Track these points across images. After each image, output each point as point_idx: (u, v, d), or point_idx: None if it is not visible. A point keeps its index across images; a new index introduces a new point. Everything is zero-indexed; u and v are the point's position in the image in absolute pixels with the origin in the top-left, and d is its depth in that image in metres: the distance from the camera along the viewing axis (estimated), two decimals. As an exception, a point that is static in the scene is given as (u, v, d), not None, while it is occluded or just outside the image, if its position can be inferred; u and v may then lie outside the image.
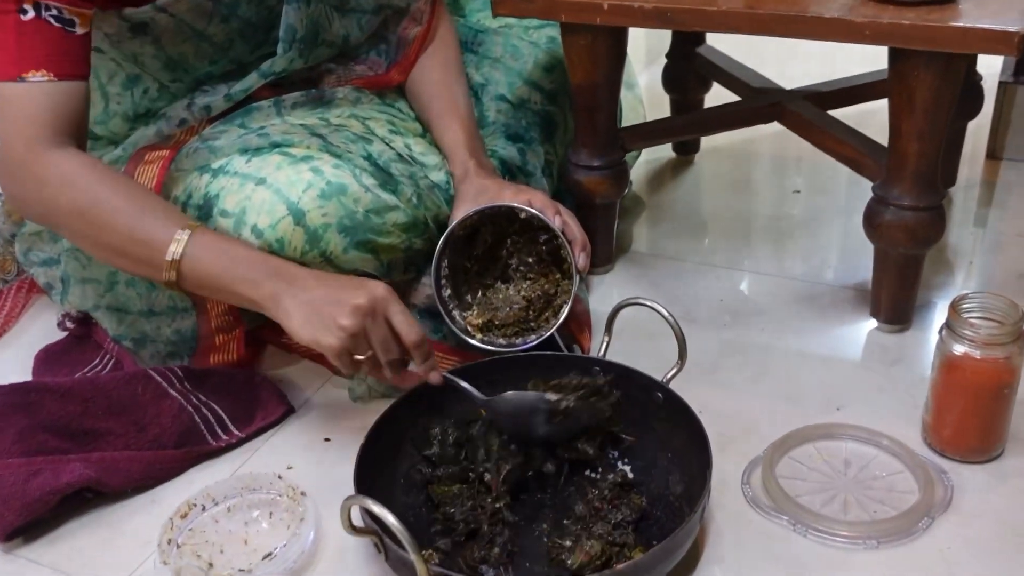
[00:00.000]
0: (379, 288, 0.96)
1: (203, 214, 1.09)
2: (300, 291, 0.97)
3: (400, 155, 1.16)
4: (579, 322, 1.21)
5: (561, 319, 1.09)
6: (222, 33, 1.13)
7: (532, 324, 1.12)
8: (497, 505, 0.95)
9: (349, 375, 1.09)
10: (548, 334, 1.09)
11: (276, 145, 1.10)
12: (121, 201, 0.99)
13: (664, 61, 1.72)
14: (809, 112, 1.40)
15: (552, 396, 0.97)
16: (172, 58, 1.13)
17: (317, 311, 0.95)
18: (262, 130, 1.13)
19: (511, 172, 1.25)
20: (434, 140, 1.22)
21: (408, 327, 0.97)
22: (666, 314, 1.00)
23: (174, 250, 0.98)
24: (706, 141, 1.79)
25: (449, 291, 1.12)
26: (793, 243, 1.50)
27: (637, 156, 1.62)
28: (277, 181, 1.06)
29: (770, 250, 1.48)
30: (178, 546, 0.96)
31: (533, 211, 1.07)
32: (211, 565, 0.94)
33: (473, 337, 1.11)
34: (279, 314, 0.97)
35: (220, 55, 1.15)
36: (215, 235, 1.01)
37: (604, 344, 1.07)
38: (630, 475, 1.01)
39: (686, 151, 1.78)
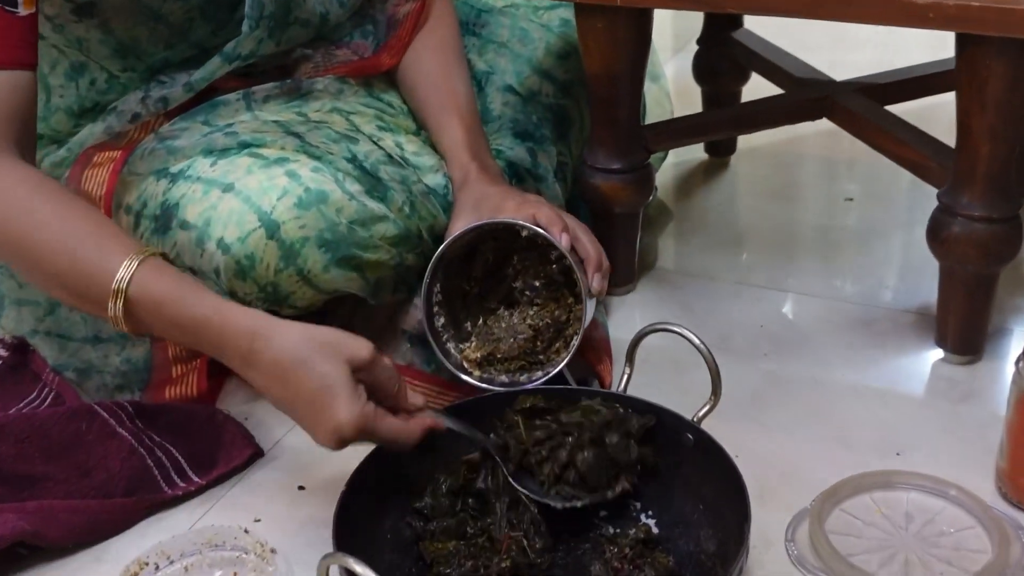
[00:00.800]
0: (343, 415, 0.91)
1: (161, 225, 1.09)
2: (258, 382, 0.95)
3: (390, 156, 1.16)
4: (598, 351, 1.21)
5: (571, 353, 1.09)
6: (180, 12, 1.13)
7: (540, 357, 1.13)
8: (504, 565, 0.95)
9: None
10: (556, 370, 1.09)
11: (246, 145, 1.11)
12: (59, 232, 0.96)
13: (695, 48, 1.73)
14: (863, 107, 1.40)
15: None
16: (123, 43, 1.14)
17: (284, 410, 0.96)
18: (229, 127, 1.14)
19: (519, 176, 1.26)
20: (431, 139, 1.23)
21: (398, 443, 0.96)
22: (697, 342, 1.01)
23: (115, 304, 0.95)
24: (743, 141, 1.80)
25: (443, 320, 1.12)
26: (845, 259, 1.51)
27: (663, 158, 1.63)
28: (247, 188, 1.07)
29: (818, 267, 1.49)
30: (127, 611, 0.96)
31: (536, 229, 1.07)
32: (166, 634, 0.94)
33: (470, 374, 1.11)
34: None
35: (178, 39, 1.16)
36: (161, 278, 0.96)
37: (625, 377, 1.07)
38: (655, 530, 1.01)
39: (720, 152, 1.78)
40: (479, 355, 1.12)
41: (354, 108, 1.22)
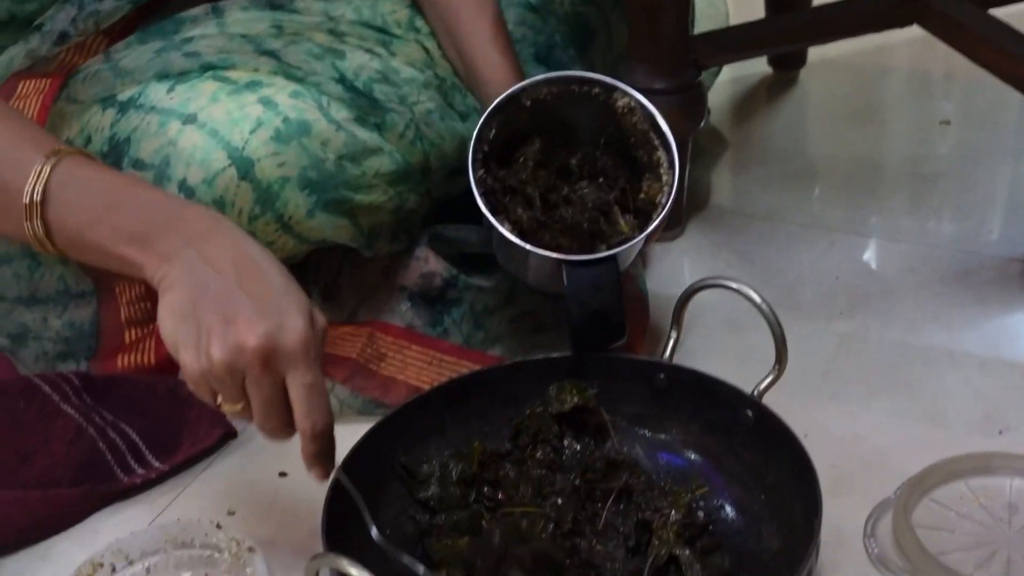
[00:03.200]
0: (297, 325, 0.88)
1: (110, 165, 1.09)
2: (199, 264, 0.90)
3: (384, 74, 1.17)
4: (629, 310, 1.23)
5: (659, 220, 1.08)
6: None
7: (603, 228, 1.11)
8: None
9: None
10: (642, 237, 1.08)
11: (209, 67, 1.11)
12: None
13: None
14: (962, 10, 1.40)
15: None
16: None
17: (197, 311, 0.89)
18: (189, 45, 1.14)
19: None
20: (463, 74, 1.21)
21: (308, 406, 0.89)
22: (758, 300, 1.01)
23: (33, 187, 0.93)
24: (815, 52, 1.79)
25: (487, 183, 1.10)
26: (939, 196, 1.51)
27: (717, 73, 1.63)
28: (213, 119, 1.07)
29: (906, 206, 1.49)
30: (79, 622, 0.99)
31: (639, 97, 1.08)
32: (125, 648, 0.97)
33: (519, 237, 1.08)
34: (160, 286, 0.91)
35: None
36: (95, 165, 0.97)
37: (671, 341, 1.08)
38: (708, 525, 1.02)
39: (787, 65, 1.78)
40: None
41: (346, 25, 1.21)
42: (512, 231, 1.07)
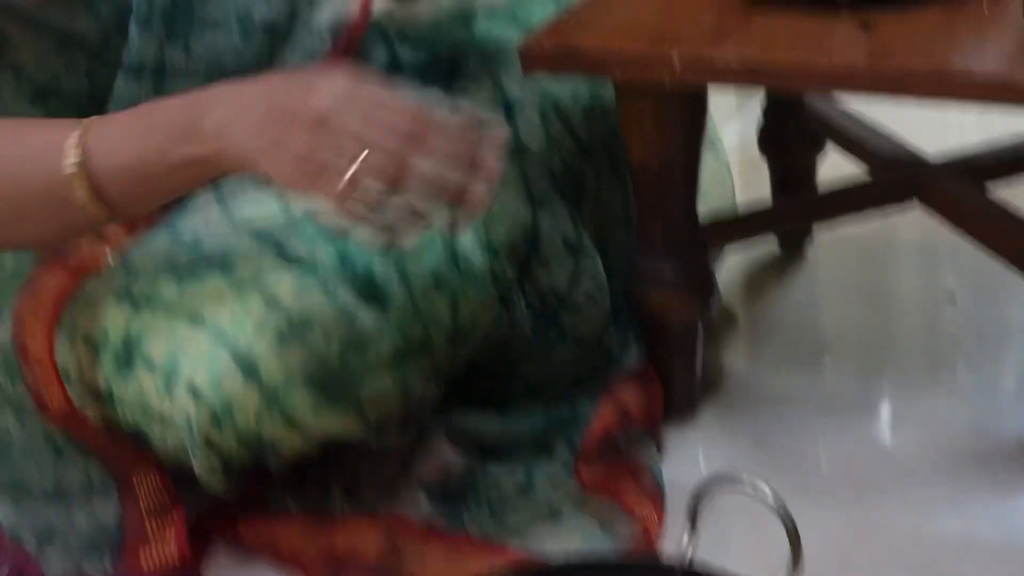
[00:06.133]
0: (350, 72, 0.95)
1: (122, 363, 1.11)
2: (243, 100, 0.96)
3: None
4: (644, 501, 1.23)
5: None
6: (92, 28, 1.11)
7: None
8: None
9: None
10: None
11: (213, 263, 1.12)
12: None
13: (758, 107, 1.72)
14: (960, 189, 1.41)
15: None
16: (39, 84, 1.11)
17: (279, 132, 0.93)
18: (194, 237, 1.15)
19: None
20: None
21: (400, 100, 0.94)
22: (772, 503, 1.01)
23: (72, 151, 0.97)
24: (822, 228, 1.80)
25: None
26: (951, 375, 1.51)
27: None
28: (218, 320, 1.08)
29: (920, 386, 1.49)
30: None
31: None
32: None
33: None
34: (244, 154, 0.95)
35: (96, 63, 1.13)
36: (117, 115, 1.02)
37: (687, 543, 1.05)
38: None
39: (794, 243, 1.78)
40: None
41: None
42: None
